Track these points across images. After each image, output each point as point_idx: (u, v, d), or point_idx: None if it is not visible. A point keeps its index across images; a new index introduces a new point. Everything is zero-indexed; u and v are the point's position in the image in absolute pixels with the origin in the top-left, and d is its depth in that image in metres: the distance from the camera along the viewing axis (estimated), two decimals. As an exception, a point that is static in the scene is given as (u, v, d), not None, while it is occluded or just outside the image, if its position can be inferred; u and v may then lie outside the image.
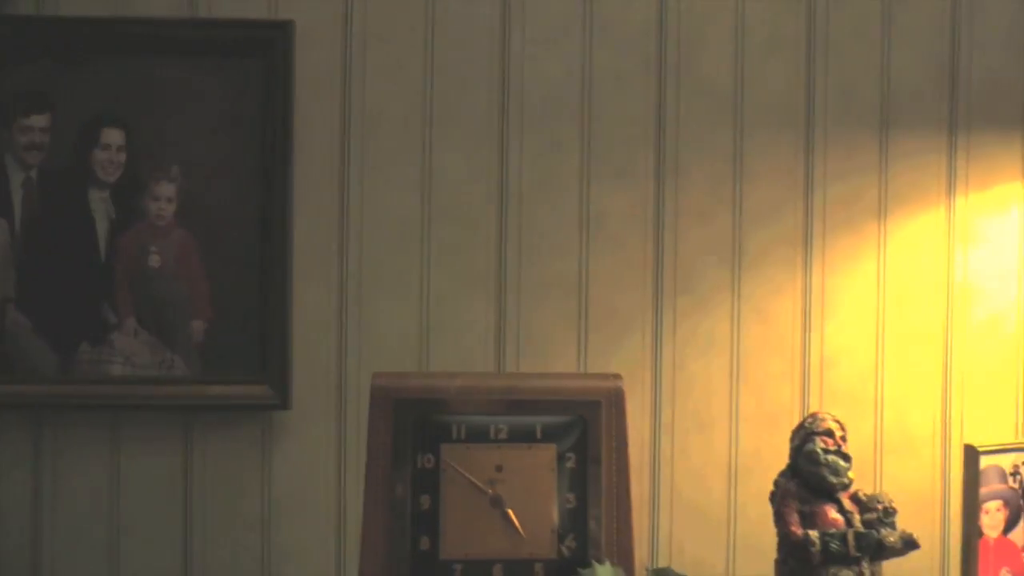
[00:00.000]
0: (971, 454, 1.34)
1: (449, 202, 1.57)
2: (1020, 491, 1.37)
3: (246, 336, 1.56)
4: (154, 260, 1.55)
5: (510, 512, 1.29)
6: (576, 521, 1.30)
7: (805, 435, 1.26)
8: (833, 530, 1.23)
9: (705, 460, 1.58)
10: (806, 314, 1.62)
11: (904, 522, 1.53)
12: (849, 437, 1.54)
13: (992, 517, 1.35)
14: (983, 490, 1.34)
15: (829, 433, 1.26)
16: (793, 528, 1.22)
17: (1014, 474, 1.37)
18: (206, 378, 1.57)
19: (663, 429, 1.60)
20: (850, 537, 1.22)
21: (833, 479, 1.24)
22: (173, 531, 1.56)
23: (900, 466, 1.63)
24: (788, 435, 1.52)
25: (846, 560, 1.22)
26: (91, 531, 1.55)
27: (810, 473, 1.25)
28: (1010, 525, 1.38)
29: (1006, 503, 1.36)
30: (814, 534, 1.21)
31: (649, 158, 1.60)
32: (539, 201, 1.58)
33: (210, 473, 1.56)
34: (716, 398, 1.60)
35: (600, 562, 1.26)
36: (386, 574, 1.28)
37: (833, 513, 1.25)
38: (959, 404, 1.65)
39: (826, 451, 1.25)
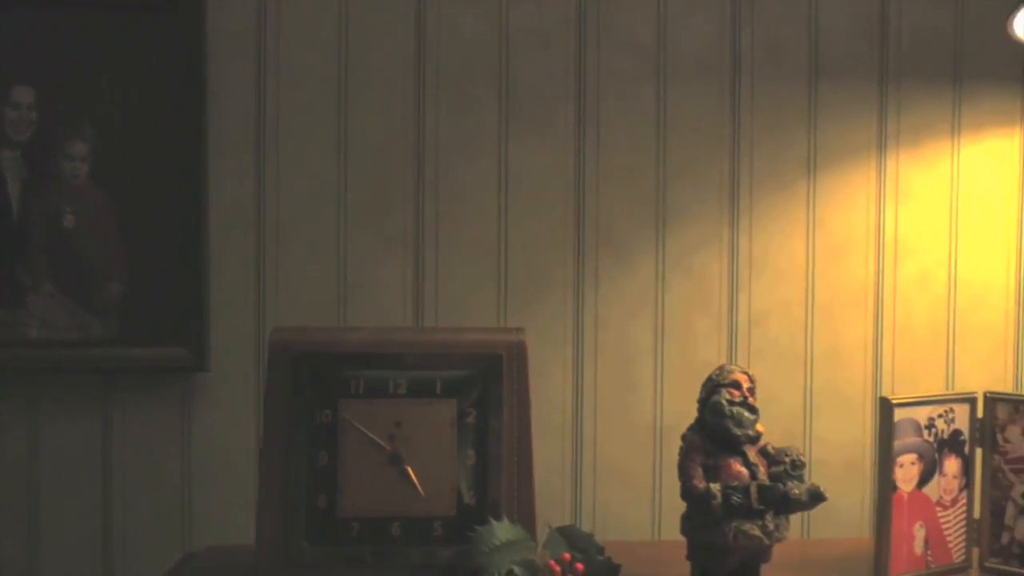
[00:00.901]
0: (885, 407, 1.30)
1: (366, 161, 1.55)
2: (935, 445, 1.33)
3: (164, 298, 1.54)
4: (69, 221, 1.53)
5: (409, 469, 1.26)
6: (476, 478, 1.27)
7: (712, 387, 1.23)
8: (736, 483, 1.18)
9: (629, 419, 1.56)
10: (733, 271, 1.59)
11: (833, 478, 1.51)
12: (778, 395, 1.52)
13: (906, 471, 1.32)
14: (897, 443, 1.31)
15: (736, 385, 1.23)
16: (695, 482, 1.19)
17: (929, 427, 1.33)
18: (124, 340, 1.54)
19: (585, 388, 1.58)
20: (753, 490, 1.19)
21: (737, 431, 1.21)
22: (93, 495, 1.55)
23: (829, 423, 1.61)
24: (713, 394, 1.48)
25: (749, 513, 1.19)
26: (10, 496, 1.53)
27: (715, 425, 1.22)
28: (925, 479, 1.34)
29: (920, 457, 1.33)
30: (716, 487, 1.18)
31: (569, 115, 1.57)
32: (457, 159, 1.55)
33: (130, 436, 1.55)
34: (640, 357, 1.58)
35: (499, 519, 1.23)
36: (283, 532, 1.25)
37: (738, 466, 1.21)
38: (889, 360, 1.62)
39: (731, 403, 1.22)
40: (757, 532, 1.21)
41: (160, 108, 1.53)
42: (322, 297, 1.55)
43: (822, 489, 1.24)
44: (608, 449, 1.57)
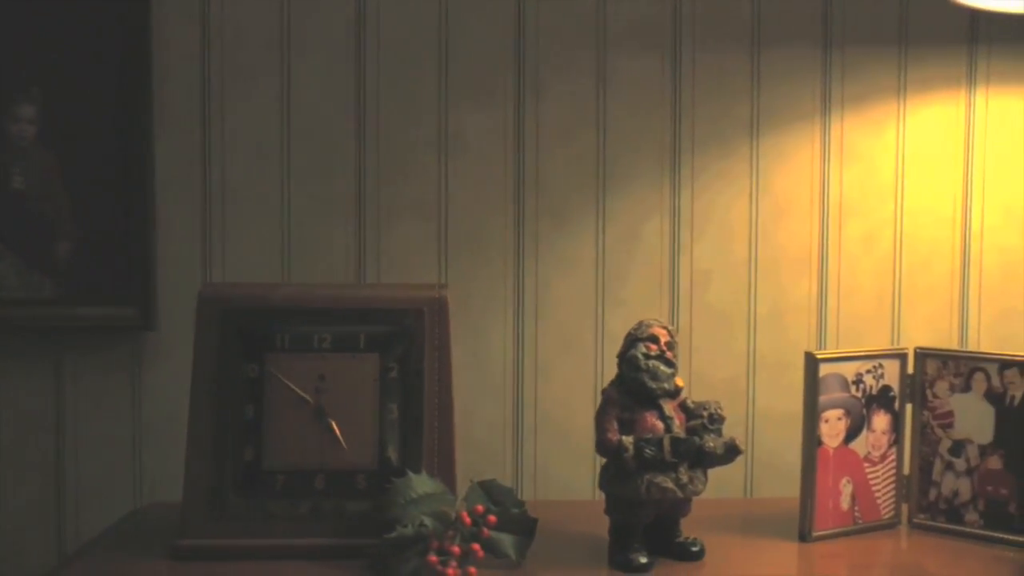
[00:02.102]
0: (810, 362, 1.31)
1: (309, 124, 1.57)
2: (863, 400, 1.34)
3: (112, 258, 1.56)
4: (17, 182, 1.56)
5: (332, 423, 1.28)
6: (398, 432, 1.29)
7: (630, 341, 1.25)
8: (650, 436, 1.20)
9: (570, 381, 1.57)
10: (674, 233, 1.60)
11: (776, 438, 1.52)
12: (721, 355, 1.52)
13: (832, 426, 1.33)
14: (823, 398, 1.32)
15: (653, 339, 1.24)
16: (609, 435, 1.21)
17: (857, 383, 1.34)
18: (73, 300, 1.57)
19: (526, 349, 1.59)
20: (666, 443, 1.20)
21: (652, 384, 1.22)
22: (45, 454, 1.57)
23: (773, 382, 1.61)
24: (656, 355, 1.49)
25: (662, 466, 1.20)
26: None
27: (631, 379, 1.23)
28: (852, 435, 1.35)
29: (847, 412, 1.34)
30: (628, 440, 1.19)
31: (509, 78, 1.58)
32: (397, 122, 1.57)
33: (81, 395, 1.57)
34: (581, 319, 1.59)
35: (417, 472, 1.24)
36: (210, 484, 1.28)
37: (653, 420, 1.23)
38: (834, 320, 1.63)
39: (647, 356, 1.23)
40: (670, 484, 1.22)
41: (106, 72, 1.56)
42: (267, 257, 1.57)
43: (738, 442, 1.25)
44: (548, 409, 1.58)
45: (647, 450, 1.22)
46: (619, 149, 1.59)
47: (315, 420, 1.31)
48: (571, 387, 1.59)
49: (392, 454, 1.31)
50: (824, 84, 1.62)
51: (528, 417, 1.60)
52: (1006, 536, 1.36)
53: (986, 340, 1.66)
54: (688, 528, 1.33)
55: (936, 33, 1.63)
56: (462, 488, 1.28)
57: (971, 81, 1.65)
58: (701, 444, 1.24)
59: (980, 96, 1.65)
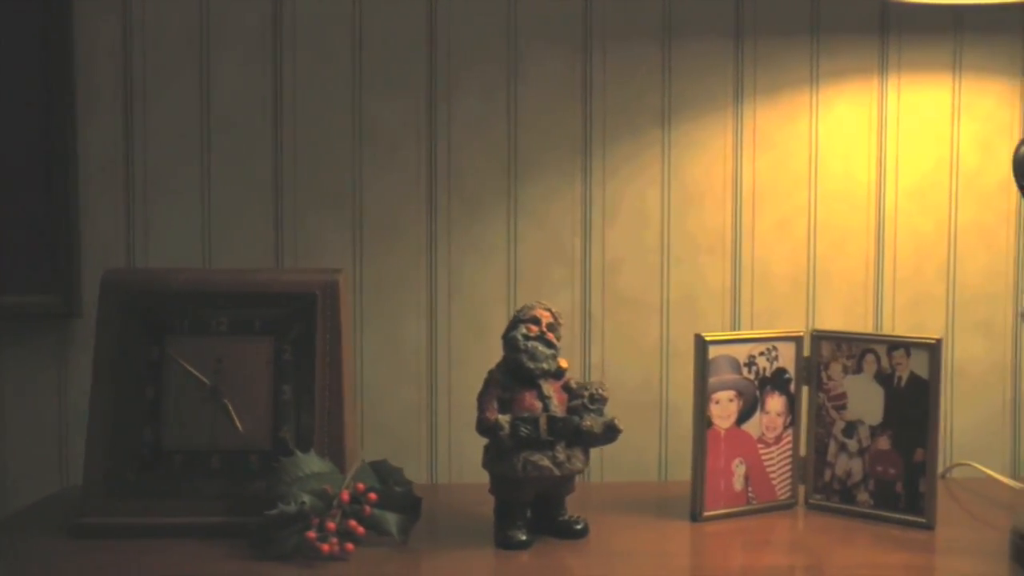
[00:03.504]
0: (699, 344, 1.33)
1: (228, 114, 1.61)
2: (756, 382, 1.36)
3: (36, 246, 1.59)
4: (-63, 169, 1.59)
5: (228, 404, 1.31)
6: (290, 413, 1.32)
7: (512, 323, 1.27)
8: (527, 415, 1.22)
9: (483, 367, 1.57)
10: (586, 219, 1.63)
11: (690, 424, 1.53)
12: (635, 341, 1.55)
13: (723, 407, 1.35)
14: (713, 380, 1.34)
15: (535, 320, 1.27)
16: (487, 414, 1.24)
17: (749, 365, 1.36)
18: (-1, 287, 1.60)
19: (439, 336, 1.62)
20: (542, 421, 1.23)
21: (531, 364, 1.25)
22: (-29, 445, 1.60)
23: (686, 370, 1.62)
24: (568, 342, 1.53)
25: (539, 444, 1.23)
26: None
27: (511, 359, 1.26)
28: (745, 416, 1.37)
29: (739, 394, 1.36)
30: (504, 418, 1.22)
31: (421, 69, 1.61)
32: (313, 112, 1.60)
33: (7, 383, 1.61)
34: (493, 305, 1.62)
35: (306, 452, 1.28)
36: (110, 464, 1.31)
37: (532, 399, 1.25)
38: (748, 306, 1.65)
39: (527, 337, 1.25)
40: (546, 463, 1.25)
41: (28, 61, 1.59)
42: (189, 243, 1.60)
43: (617, 422, 1.27)
44: (462, 395, 1.61)
45: (523, 428, 1.24)
46: (530, 138, 1.62)
47: (212, 401, 1.34)
48: (484, 373, 1.60)
49: (285, 434, 1.34)
50: (736, 74, 1.65)
51: (442, 403, 1.63)
52: (894, 515, 1.38)
53: (901, 325, 1.68)
54: (589, 509, 1.39)
55: (848, 24, 1.65)
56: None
57: (883, 70, 1.67)
58: (579, 423, 1.26)
59: (892, 85, 1.67)
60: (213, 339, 1.35)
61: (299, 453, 1.28)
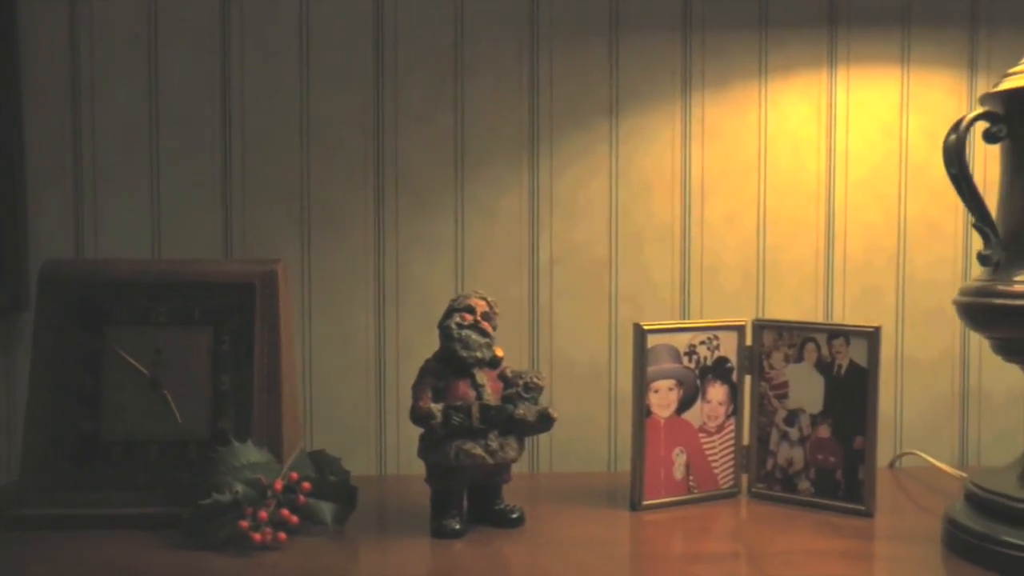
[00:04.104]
0: (638, 333, 1.34)
1: (175, 108, 1.61)
2: (696, 371, 1.36)
3: (-15, 241, 1.59)
4: None
5: (167, 394, 1.32)
6: (229, 403, 1.32)
7: (447, 312, 1.27)
8: (460, 403, 1.23)
9: (431, 358, 1.59)
10: (533, 211, 1.63)
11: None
12: (582, 332, 1.56)
13: (663, 396, 1.36)
14: (652, 369, 1.34)
15: (469, 309, 1.27)
16: (420, 403, 1.24)
17: (689, 354, 1.36)
18: (-55, 283, 1.60)
19: (387, 329, 1.63)
20: (474, 409, 1.23)
21: (464, 353, 1.25)
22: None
23: (633, 361, 1.62)
24: (517, 333, 1.54)
25: (471, 433, 1.23)
26: None
27: (445, 348, 1.26)
28: (685, 405, 1.37)
29: (679, 383, 1.36)
30: (437, 407, 1.22)
31: (368, 61, 1.61)
32: (261, 106, 1.60)
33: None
34: (442, 297, 1.61)
35: (242, 442, 1.28)
36: (47, 455, 1.31)
37: (465, 388, 1.25)
38: (697, 298, 1.65)
39: (461, 326, 1.26)
40: (479, 451, 1.25)
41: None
42: (137, 237, 1.61)
43: (551, 411, 1.28)
44: (411, 387, 1.60)
45: (455, 417, 1.25)
46: (477, 129, 1.63)
47: (151, 392, 1.34)
48: (432, 364, 1.61)
49: (224, 425, 1.34)
50: (685, 67, 1.65)
51: (391, 394, 1.63)
52: (834, 503, 1.38)
53: (851, 315, 1.68)
54: (531, 499, 1.41)
55: (796, 17, 1.66)
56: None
57: (831, 63, 1.68)
58: (512, 411, 1.26)
59: (841, 77, 1.68)
60: (152, 329, 1.36)
61: (236, 443, 1.28)
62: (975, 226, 1.21)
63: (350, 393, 1.65)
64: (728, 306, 1.66)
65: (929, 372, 1.70)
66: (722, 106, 1.67)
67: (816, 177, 1.68)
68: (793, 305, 1.68)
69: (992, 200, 1.23)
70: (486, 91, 1.63)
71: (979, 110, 1.21)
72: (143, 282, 1.37)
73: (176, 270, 1.38)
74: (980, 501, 1.20)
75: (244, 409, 1.34)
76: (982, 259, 1.21)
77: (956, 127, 1.20)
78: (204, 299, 1.37)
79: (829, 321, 1.67)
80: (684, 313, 1.67)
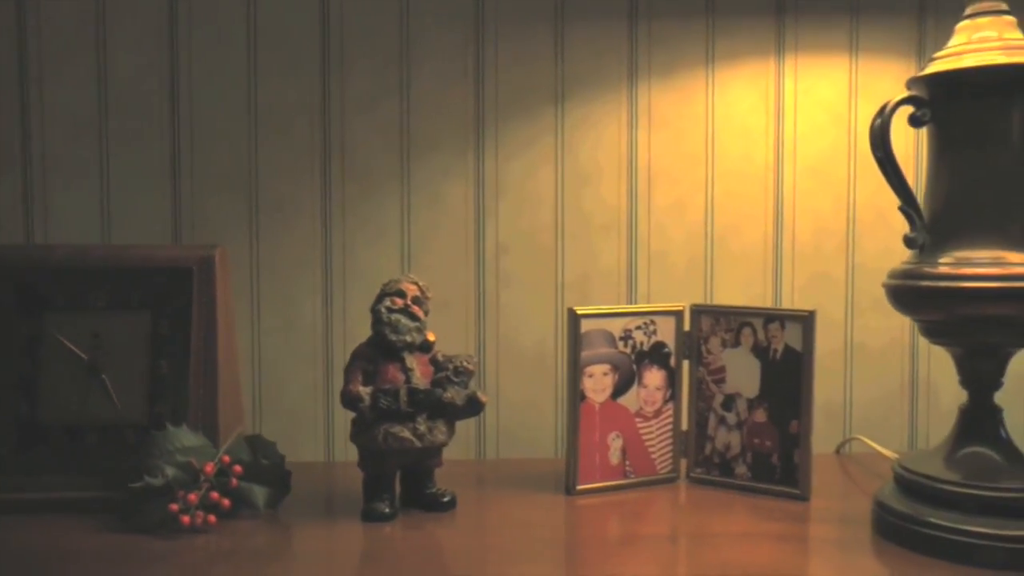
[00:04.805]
0: (572, 318, 1.34)
1: (124, 96, 1.62)
2: (632, 356, 1.37)
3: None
4: None
5: (105, 379, 1.32)
6: (166, 387, 1.33)
7: (379, 296, 1.28)
8: (389, 387, 1.24)
9: (377, 344, 1.60)
10: (479, 199, 1.63)
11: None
12: (528, 319, 1.56)
13: (597, 381, 1.36)
14: (586, 353, 1.35)
15: (400, 294, 1.28)
16: (350, 386, 1.24)
17: (624, 339, 1.37)
18: None
19: (334, 316, 1.64)
20: (402, 393, 1.24)
21: (393, 337, 1.26)
22: None
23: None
24: (463, 319, 1.55)
25: (399, 416, 1.24)
26: None
27: (376, 332, 1.27)
28: (621, 390, 1.38)
29: (615, 367, 1.37)
30: (365, 391, 1.23)
31: (315, 48, 1.62)
32: (209, 94, 1.61)
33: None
34: (388, 284, 1.61)
35: (177, 426, 1.29)
36: (-16, 439, 1.32)
37: (395, 371, 1.26)
38: (644, 285, 1.66)
39: (391, 310, 1.27)
40: (407, 434, 1.26)
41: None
42: (87, 223, 1.62)
43: (480, 395, 1.28)
44: (356, 372, 1.61)
45: (383, 400, 1.25)
46: (423, 117, 1.63)
47: (89, 377, 1.35)
48: (379, 351, 1.62)
49: (161, 409, 1.34)
50: (631, 54, 1.66)
51: (338, 381, 1.63)
52: (770, 487, 1.39)
53: (800, 302, 1.70)
54: (469, 484, 1.43)
55: (744, 5, 1.66)
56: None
57: (779, 51, 1.68)
58: (440, 395, 1.27)
59: (789, 66, 1.68)
60: (91, 314, 1.37)
61: (170, 427, 1.29)
62: (901, 209, 1.21)
63: (298, 380, 1.66)
64: (676, 293, 1.67)
65: (879, 359, 1.71)
66: (669, 94, 1.68)
67: (764, 164, 1.68)
68: (742, 292, 1.69)
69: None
70: (432, 79, 1.64)
71: (904, 94, 1.20)
72: (81, 267, 1.37)
73: (114, 255, 1.39)
74: (907, 483, 1.21)
75: (181, 394, 1.34)
76: (908, 242, 1.21)
77: (881, 111, 1.20)
78: (142, 284, 1.37)
79: (779, 308, 1.67)
80: (631, 300, 1.68)
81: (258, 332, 1.64)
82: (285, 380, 1.64)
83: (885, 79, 1.69)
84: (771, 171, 1.68)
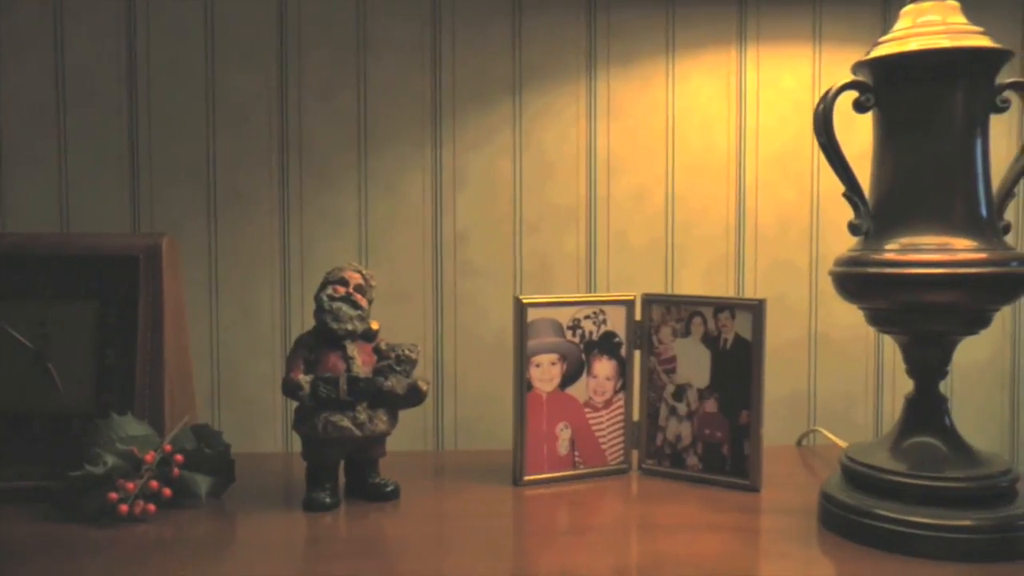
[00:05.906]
0: (518, 307, 1.34)
1: (82, 87, 1.62)
2: (581, 346, 1.36)
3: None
4: None
5: (51, 368, 1.32)
6: (113, 376, 1.33)
7: (321, 284, 1.28)
8: (329, 375, 1.23)
9: (336, 335, 1.60)
10: (436, 189, 1.63)
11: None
12: (487, 309, 1.56)
13: (545, 371, 1.35)
14: (533, 343, 1.34)
15: (342, 282, 1.28)
16: (290, 374, 1.24)
17: (573, 328, 1.36)
18: None
19: (293, 307, 1.63)
20: (342, 381, 1.24)
21: (334, 325, 1.25)
22: None
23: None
24: (421, 309, 1.54)
25: (339, 405, 1.23)
26: None
27: (318, 320, 1.26)
28: (570, 380, 1.37)
29: (563, 357, 1.36)
30: (305, 379, 1.23)
31: (272, 38, 1.61)
32: (167, 84, 1.61)
33: None
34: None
35: (121, 413, 1.29)
36: (-70, 428, 1.32)
37: (336, 360, 1.25)
38: (604, 275, 1.65)
39: (332, 298, 1.26)
40: (346, 423, 1.26)
41: None
42: (45, 213, 1.62)
43: (421, 384, 1.28)
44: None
45: (322, 389, 1.25)
46: (379, 108, 1.63)
47: (35, 365, 1.35)
48: (337, 341, 1.62)
49: (108, 398, 1.34)
50: (590, 44, 1.65)
51: (295, 371, 1.63)
52: (720, 478, 1.38)
53: (763, 292, 1.68)
54: (420, 475, 1.43)
55: (703, -6, 1.65)
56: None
57: (741, 40, 1.67)
58: (381, 384, 1.26)
59: (751, 55, 1.67)
60: (37, 302, 1.37)
61: (115, 416, 1.29)
62: (844, 195, 1.20)
63: (256, 370, 1.65)
64: (637, 283, 1.66)
65: (844, 350, 1.70)
66: (628, 83, 1.67)
67: (727, 154, 1.67)
68: (704, 282, 1.68)
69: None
70: (389, 69, 1.64)
71: (847, 79, 1.19)
72: (28, 255, 1.37)
73: (61, 243, 1.39)
74: (853, 474, 1.20)
75: (128, 383, 1.34)
76: (852, 228, 1.20)
77: (824, 97, 1.19)
78: (90, 273, 1.37)
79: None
80: (591, 290, 1.67)
81: (216, 322, 1.63)
82: (243, 370, 1.64)
83: (848, 68, 1.66)
84: (733, 161, 1.67)
